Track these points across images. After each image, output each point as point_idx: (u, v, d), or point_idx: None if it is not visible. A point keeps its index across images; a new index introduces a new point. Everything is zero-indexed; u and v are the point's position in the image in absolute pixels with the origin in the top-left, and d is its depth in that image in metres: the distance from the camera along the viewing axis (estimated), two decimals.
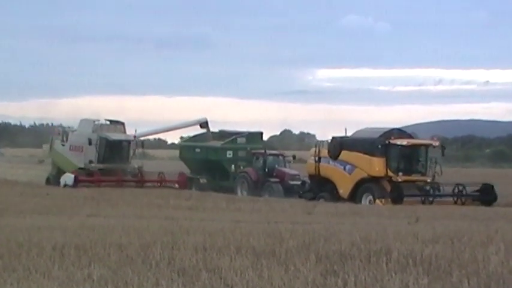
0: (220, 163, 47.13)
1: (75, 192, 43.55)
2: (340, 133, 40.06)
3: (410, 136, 38.50)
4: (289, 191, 41.54)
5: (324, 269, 8.93)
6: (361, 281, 8.09)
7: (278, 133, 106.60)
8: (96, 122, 45.96)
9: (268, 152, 46.02)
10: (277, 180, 43.14)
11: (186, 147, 51.06)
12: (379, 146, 36.18)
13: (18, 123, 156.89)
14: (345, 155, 37.26)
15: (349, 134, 39.90)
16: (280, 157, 46.17)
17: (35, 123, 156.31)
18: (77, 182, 42.59)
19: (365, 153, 36.62)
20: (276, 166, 44.58)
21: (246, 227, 15.80)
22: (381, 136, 36.92)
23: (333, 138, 39.11)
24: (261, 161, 44.42)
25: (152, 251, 10.67)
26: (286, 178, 43.17)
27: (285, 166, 45.24)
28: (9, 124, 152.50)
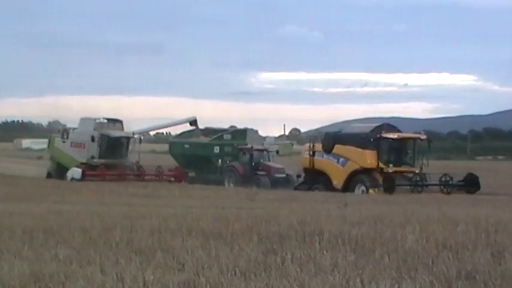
0: (208, 158, 46.24)
1: (43, 181, 42.91)
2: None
3: (398, 130, 37.16)
4: (274, 183, 40.60)
5: (265, 248, 8.96)
6: (297, 258, 8.15)
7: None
8: (97, 121, 45.28)
9: (254, 147, 44.99)
10: (264, 173, 42.12)
11: (176, 144, 50.21)
12: (371, 140, 35.12)
13: None
14: (338, 149, 36.21)
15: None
16: (265, 152, 45.13)
17: (6, 120, 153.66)
18: (84, 176, 41.78)
19: (357, 146, 35.47)
20: (261, 160, 43.51)
21: (196, 212, 15.77)
22: (372, 131, 35.93)
23: (327, 133, 38.34)
24: (248, 156, 43.30)
25: (113, 233, 10.59)
26: (272, 171, 42.16)
27: (269, 160, 44.16)
28: None
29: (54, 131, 52.23)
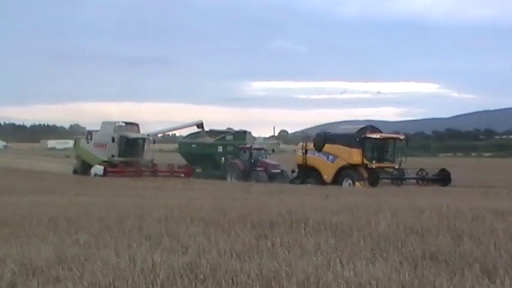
0: (212, 156, 45.82)
1: (66, 177, 42.77)
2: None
3: (380, 131, 36.75)
4: (271, 178, 40.16)
5: (257, 234, 8.93)
6: (285, 242, 8.13)
7: None
8: (117, 124, 45.13)
9: (253, 146, 44.49)
10: (261, 169, 41.54)
11: (184, 144, 49.82)
12: (357, 140, 34.72)
13: (21, 124, 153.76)
14: (328, 147, 35.85)
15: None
16: (263, 151, 44.49)
17: (34, 123, 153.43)
18: (105, 172, 41.55)
19: (345, 145, 35.12)
20: (260, 158, 42.91)
21: (197, 203, 15.74)
22: (358, 131, 35.54)
23: (318, 134, 37.81)
24: (248, 154, 42.73)
25: (126, 221, 10.56)
26: (269, 168, 41.62)
27: (266, 158, 43.56)
28: (14, 124, 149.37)
29: (76, 132, 52.29)
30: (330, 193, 22.50)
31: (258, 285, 5.79)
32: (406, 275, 6.05)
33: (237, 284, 5.88)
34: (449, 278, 6.03)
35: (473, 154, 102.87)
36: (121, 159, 43.47)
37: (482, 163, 66.49)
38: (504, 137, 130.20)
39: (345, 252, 7.31)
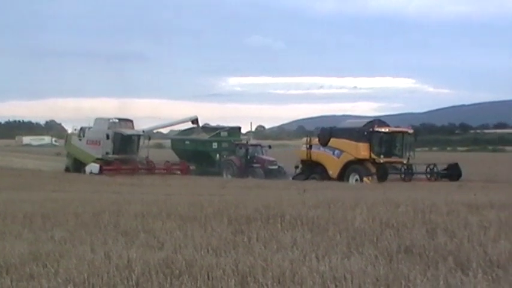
0: (207, 153, 44.74)
1: (41, 173, 42.33)
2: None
3: (388, 125, 35.63)
4: (268, 174, 39.41)
5: (234, 229, 8.92)
6: (261, 237, 8.13)
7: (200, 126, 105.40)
8: (111, 120, 44.13)
9: (249, 142, 43.83)
10: (258, 165, 40.83)
11: (177, 140, 48.78)
12: (365, 133, 33.78)
13: None
14: (333, 142, 34.91)
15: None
16: (259, 147, 43.70)
17: (9, 119, 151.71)
18: (101, 170, 40.73)
19: (352, 139, 34.09)
20: (256, 154, 42.13)
21: (175, 199, 15.68)
22: (365, 125, 34.67)
23: (323, 128, 36.76)
24: (244, 150, 41.95)
25: (102, 217, 10.48)
26: (266, 164, 40.86)
27: (262, 154, 42.71)
28: None
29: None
30: (307, 188, 22.53)
31: (233, 281, 5.79)
32: (381, 268, 6.09)
33: (212, 279, 5.87)
34: (424, 271, 6.08)
35: (448, 148, 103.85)
36: (116, 156, 42.54)
37: (458, 157, 66.99)
38: (479, 131, 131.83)
39: (321, 247, 7.33)
